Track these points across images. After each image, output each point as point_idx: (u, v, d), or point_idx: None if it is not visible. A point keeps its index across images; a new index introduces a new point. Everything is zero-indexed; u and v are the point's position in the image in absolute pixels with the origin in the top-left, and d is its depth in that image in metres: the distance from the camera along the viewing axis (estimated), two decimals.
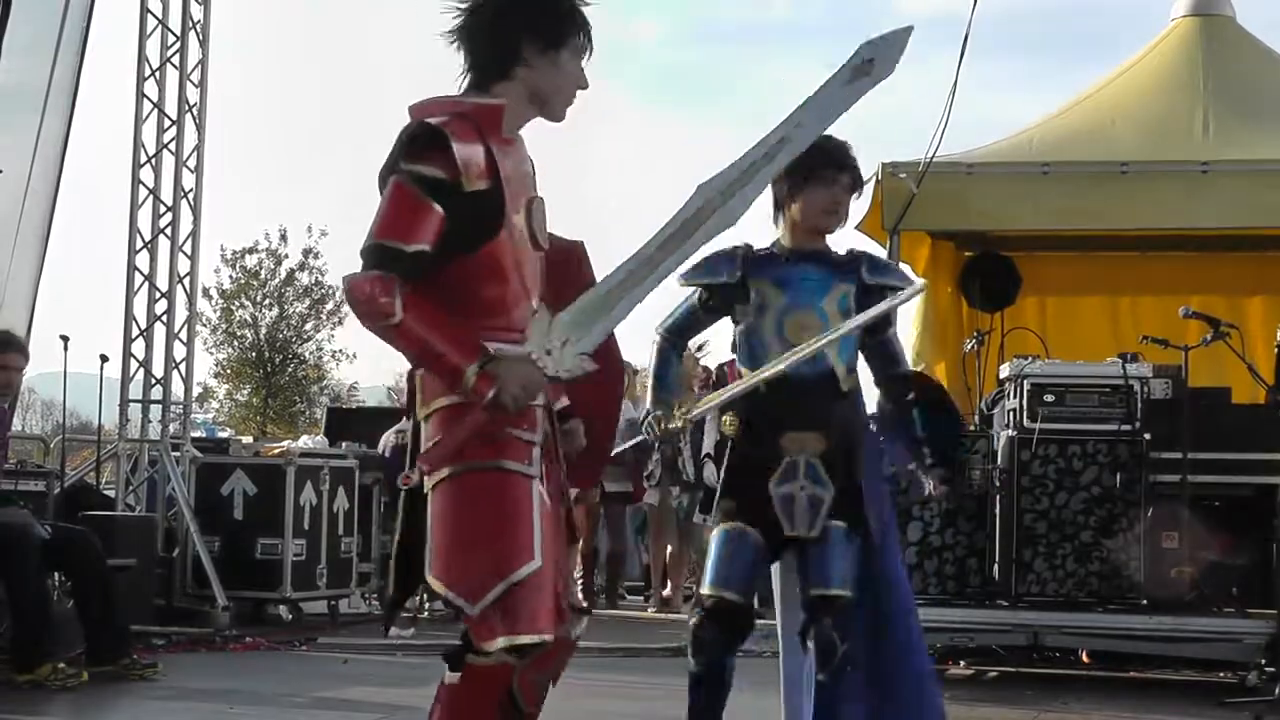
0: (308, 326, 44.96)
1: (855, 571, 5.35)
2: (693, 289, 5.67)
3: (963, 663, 9.43)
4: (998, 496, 9.15)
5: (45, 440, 12.36)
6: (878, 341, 5.64)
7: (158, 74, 13.14)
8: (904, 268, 11.28)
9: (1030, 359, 9.68)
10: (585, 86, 3.97)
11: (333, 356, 45.24)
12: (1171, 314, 9.81)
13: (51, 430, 10.77)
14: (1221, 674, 8.75)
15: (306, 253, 44.37)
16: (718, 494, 5.53)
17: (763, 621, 7.07)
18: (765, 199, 5.60)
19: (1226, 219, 10.63)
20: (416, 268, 3.75)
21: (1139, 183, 10.57)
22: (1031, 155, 11.10)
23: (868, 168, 10.53)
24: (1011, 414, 9.31)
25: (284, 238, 43.53)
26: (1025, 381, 9.24)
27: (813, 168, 5.30)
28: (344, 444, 14.21)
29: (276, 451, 13.23)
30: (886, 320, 5.70)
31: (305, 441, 16.24)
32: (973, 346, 11.36)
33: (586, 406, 4.24)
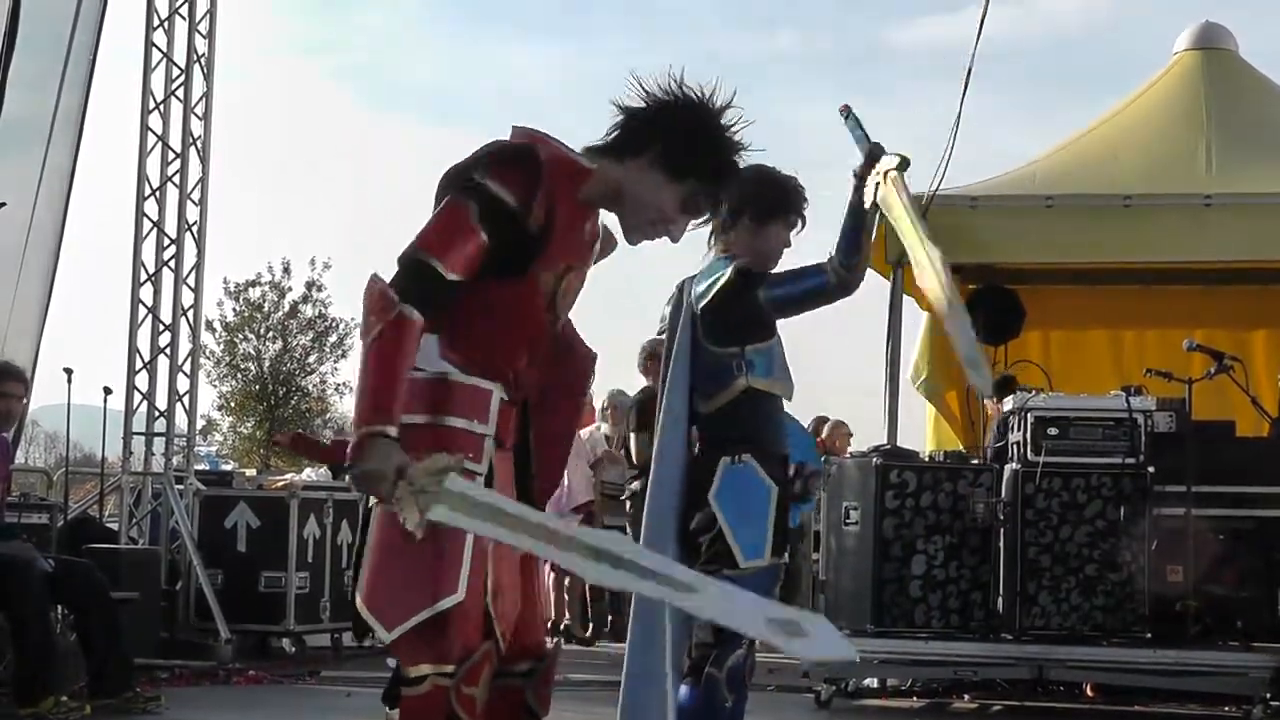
0: (311, 359, 45.03)
1: None
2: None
3: (966, 697, 9.42)
4: (1002, 530, 9.12)
5: (49, 473, 12.45)
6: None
7: (162, 107, 13.23)
8: (914, 321, 11.89)
9: (1034, 392, 9.66)
10: (676, 240, 3.98)
11: (336, 390, 45.21)
12: (1175, 347, 9.97)
13: (55, 463, 10.83)
14: (1226, 708, 8.72)
15: (310, 285, 44.26)
16: None
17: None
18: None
19: (1229, 252, 10.67)
20: (445, 296, 3.73)
21: (1142, 216, 10.64)
22: (1035, 188, 11.21)
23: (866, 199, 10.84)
24: (1015, 447, 9.26)
25: (287, 270, 43.52)
26: (1029, 414, 9.19)
27: (777, 209, 5.47)
28: (347, 477, 13.89)
29: (280, 484, 13.25)
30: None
31: (309, 474, 16.23)
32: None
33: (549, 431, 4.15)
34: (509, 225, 3.72)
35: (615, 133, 3.88)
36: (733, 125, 3.91)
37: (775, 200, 5.53)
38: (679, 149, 3.83)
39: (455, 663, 3.68)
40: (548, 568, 15.11)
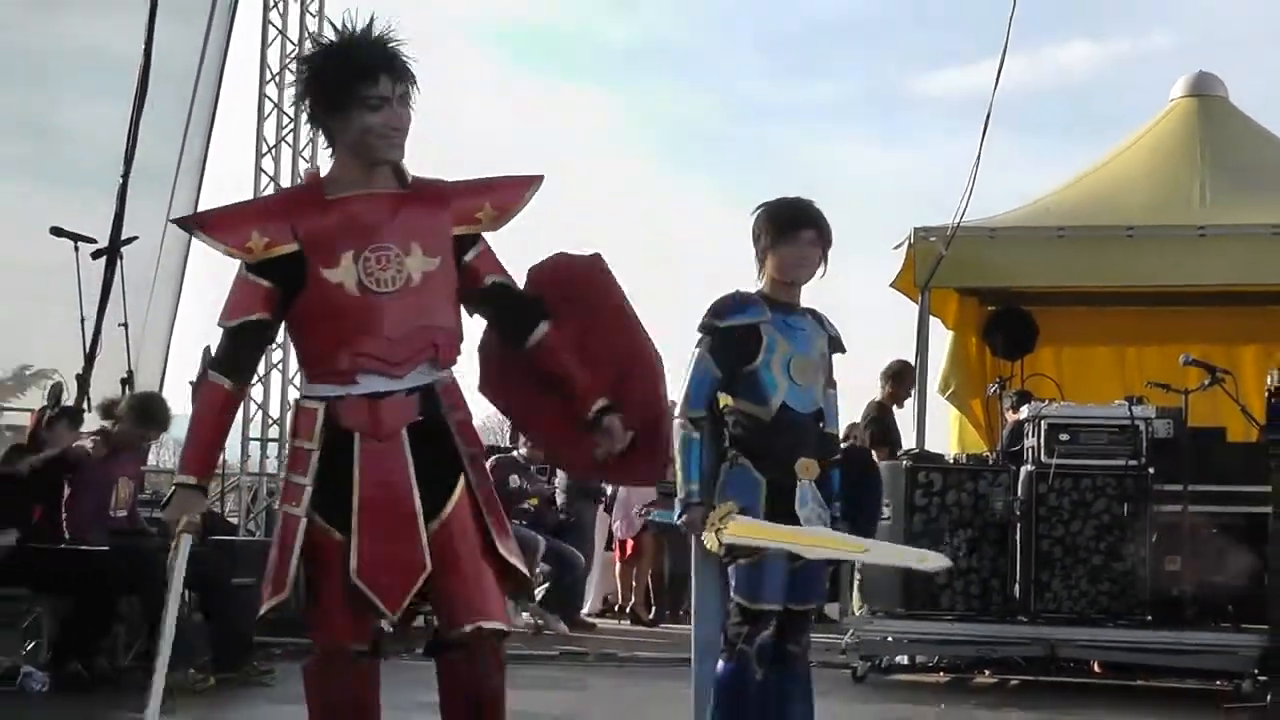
0: None
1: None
2: (706, 360, 5.41)
3: (987, 672, 9.52)
4: (1018, 524, 9.24)
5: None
6: (828, 397, 5.63)
7: (274, 151, 13.43)
8: (941, 339, 12.06)
9: (1047, 402, 9.81)
10: (395, 124, 3.87)
11: None
12: (1172, 362, 9.88)
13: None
14: (1219, 682, 8.78)
15: None
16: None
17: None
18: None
19: (1221, 277, 10.76)
20: (244, 344, 3.94)
21: (1143, 245, 10.75)
22: (1048, 221, 11.29)
23: (902, 232, 11.17)
24: (1030, 451, 9.36)
25: None
26: (1042, 422, 9.31)
27: (782, 227, 5.40)
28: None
29: None
30: (830, 382, 5.60)
31: None
32: (995, 390, 11.63)
33: (631, 406, 4.08)
34: (263, 263, 3.81)
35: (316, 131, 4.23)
36: (335, 40, 3.91)
37: (783, 221, 5.41)
38: (325, 94, 3.86)
39: (323, 641, 3.90)
40: (616, 555, 14.47)
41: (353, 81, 3.83)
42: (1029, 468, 9.28)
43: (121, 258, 10.16)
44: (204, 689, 8.36)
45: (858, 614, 10.07)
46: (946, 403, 12.48)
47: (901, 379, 11.80)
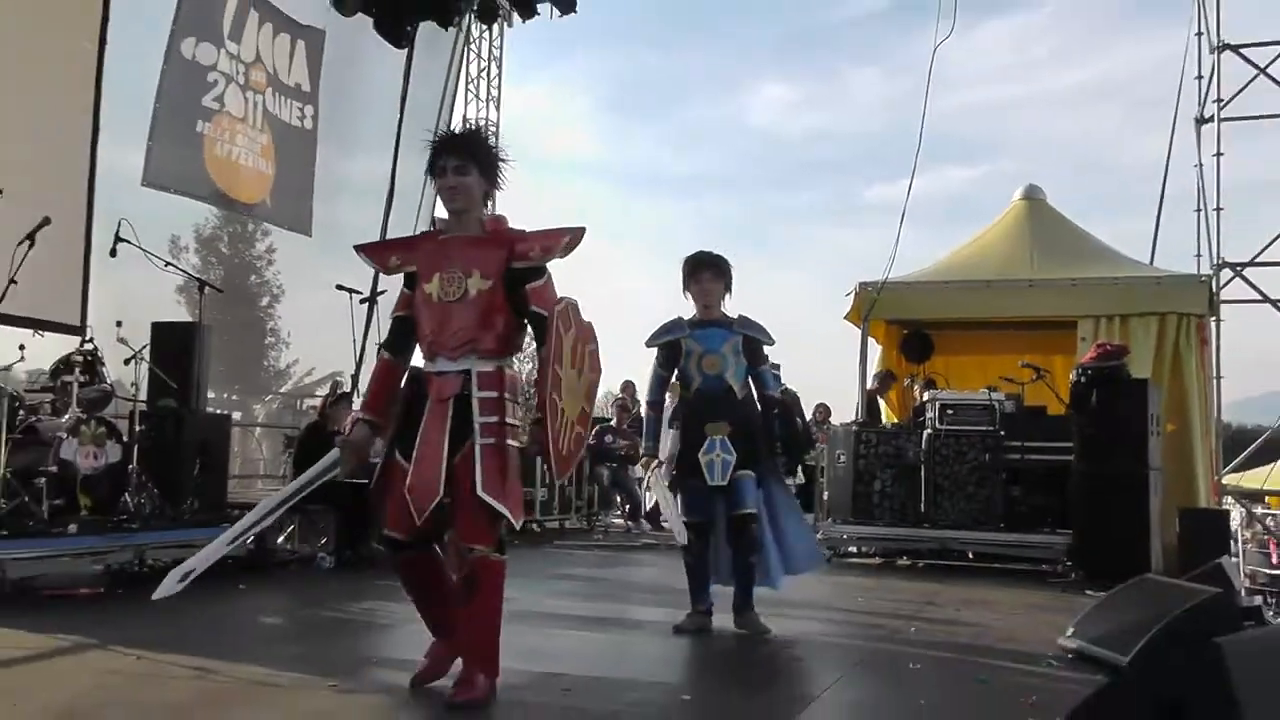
0: None
1: (758, 498, 5.99)
2: (656, 366, 6.24)
3: (904, 558, 10.48)
4: (922, 466, 10.34)
5: None
6: (755, 373, 6.10)
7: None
8: (875, 352, 13.08)
9: (939, 390, 11.01)
10: (444, 198, 4.32)
11: None
12: (1013, 365, 11.13)
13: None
14: (1044, 565, 9.76)
15: None
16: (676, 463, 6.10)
17: None
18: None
19: (1044, 311, 12.03)
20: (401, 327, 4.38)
21: (997, 290, 12.14)
22: (938, 277, 12.74)
23: (851, 285, 12.10)
24: (930, 421, 10.42)
25: None
26: (937, 402, 10.46)
27: (688, 273, 6.09)
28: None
29: None
30: (762, 360, 6.12)
31: None
32: (909, 383, 12.89)
33: (533, 434, 4.18)
34: (404, 279, 4.37)
35: None
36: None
37: (687, 269, 6.11)
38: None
39: (381, 534, 4.33)
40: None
41: (432, 158, 4.33)
42: (928, 431, 10.33)
43: (377, 302, 11.03)
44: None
45: (826, 521, 10.94)
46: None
47: (884, 380, 13.08)
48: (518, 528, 4.29)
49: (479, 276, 4.15)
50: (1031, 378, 10.67)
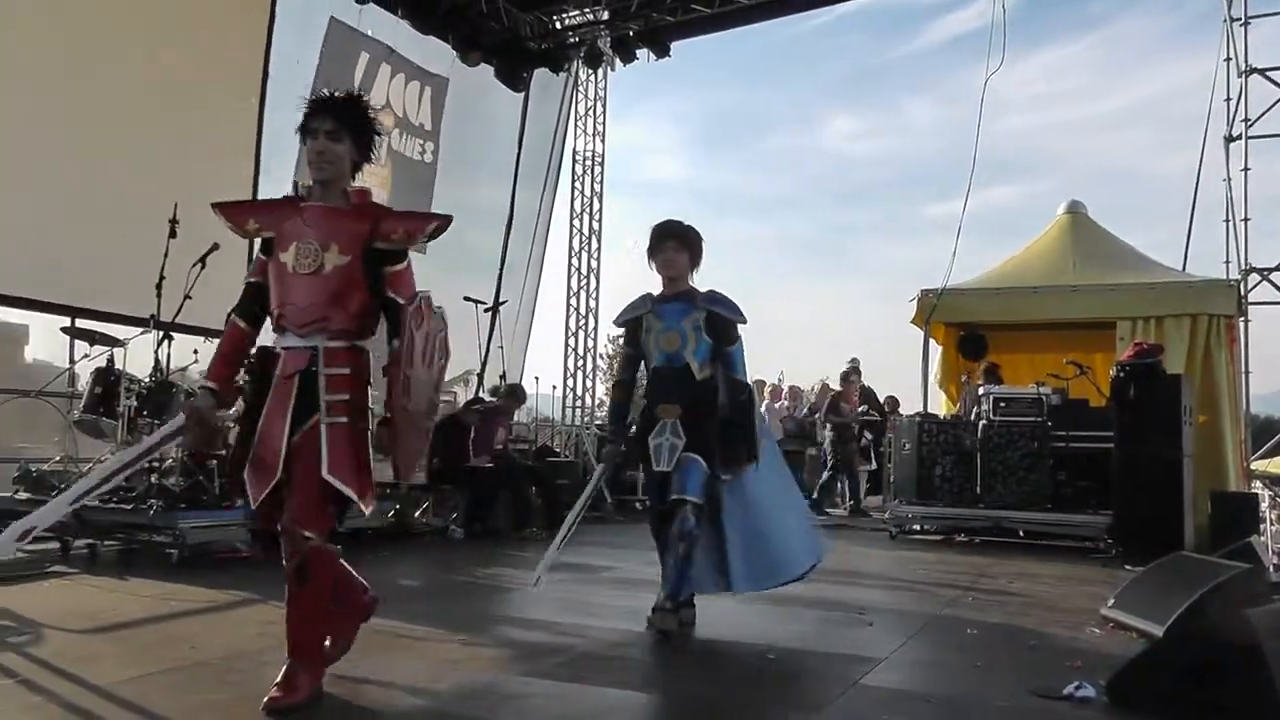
0: None
1: (704, 487, 4.90)
2: (623, 346, 5.35)
3: (961, 535, 10.19)
4: (978, 453, 10.13)
5: (527, 425, 13.16)
6: (721, 353, 5.03)
7: (579, 254, 15.01)
8: (935, 351, 12.72)
9: (993, 385, 10.83)
10: (311, 163, 3.63)
11: None
12: (1059, 363, 10.96)
13: (529, 420, 11.98)
14: (1087, 542, 9.54)
15: None
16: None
17: None
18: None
19: (1085, 314, 11.74)
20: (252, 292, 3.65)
21: (1043, 296, 11.89)
22: (993, 284, 12.59)
23: (914, 292, 12.05)
24: (985, 412, 10.28)
25: None
26: (990, 396, 10.35)
27: (651, 243, 5.08)
28: None
29: None
30: (729, 340, 5.02)
31: None
32: (964, 379, 12.56)
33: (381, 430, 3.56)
34: (262, 242, 3.65)
35: None
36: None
37: (652, 239, 5.13)
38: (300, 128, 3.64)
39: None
40: None
41: (306, 119, 3.63)
42: (983, 422, 10.20)
43: (499, 311, 10.96)
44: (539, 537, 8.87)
45: (893, 501, 10.88)
46: (937, 386, 13.06)
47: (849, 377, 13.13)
48: (367, 514, 3.68)
49: (336, 251, 3.54)
50: (1075, 373, 10.49)
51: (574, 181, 15.29)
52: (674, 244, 5.02)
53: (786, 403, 15.12)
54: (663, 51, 14.02)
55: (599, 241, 15.24)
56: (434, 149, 13.43)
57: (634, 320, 5.13)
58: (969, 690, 4.06)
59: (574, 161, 15.46)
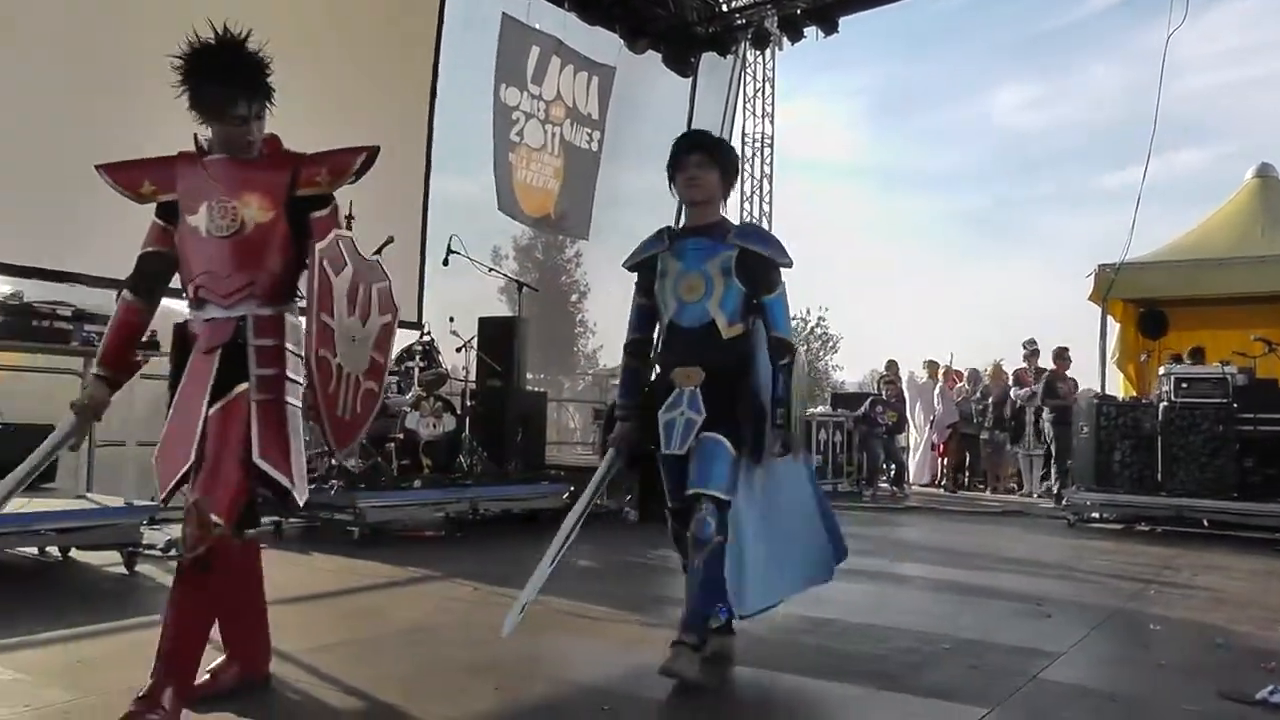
0: None
1: (731, 478, 3.81)
2: (635, 294, 4.19)
3: (1142, 524, 9.92)
4: (1159, 437, 9.78)
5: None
6: (759, 304, 3.92)
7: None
8: (1114, 329, 12.43)
9: (1174, 364, 10.45)
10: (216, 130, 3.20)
11: None
12: (1246, 339, 10.55)
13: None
14: (1276, 533, 9.01)
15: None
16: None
17: None
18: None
19: (1276, 285, 11.38)
20: (148, 265, 3.30)
21: (1230, 268, 11.66)
22: (1173, 256, 12.28)
23: (1091, 267, 11.79)
24: (1166, 393, 9.89)
25: None
26: (1172, 376, 9.92)
27: (673, 159, 4.03)
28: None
29: None
30: (768, 287, 3.91)
31: None
32: (1144, 359, 12.34)
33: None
34: (158, 206, 3.25)
35: None
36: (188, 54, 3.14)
37: (673, 153, 4.08)
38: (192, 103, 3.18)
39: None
40: (937, 452, 14.44)
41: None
42: (1164, 404, 9.83)
43: None
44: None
45: (1070, 489, 10.67)
46: (1115, 365, 12.77)
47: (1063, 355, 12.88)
48: (301, 505, 3.29)
49: (256, 207, 3.16)
50: (1263, 351, 10.10)
51: (744, 164, 15.33)
52: (700, 156, 3.95)
53: (966, 385, 14.93)
54: (831, 28, 13.89)
55: (770, 223, 15.18)
56: (600, 138, 13.66)
57: (646, 262, 4.06)
58: (1153, 690, 3.93)
59: (743, 144, 15.45)
